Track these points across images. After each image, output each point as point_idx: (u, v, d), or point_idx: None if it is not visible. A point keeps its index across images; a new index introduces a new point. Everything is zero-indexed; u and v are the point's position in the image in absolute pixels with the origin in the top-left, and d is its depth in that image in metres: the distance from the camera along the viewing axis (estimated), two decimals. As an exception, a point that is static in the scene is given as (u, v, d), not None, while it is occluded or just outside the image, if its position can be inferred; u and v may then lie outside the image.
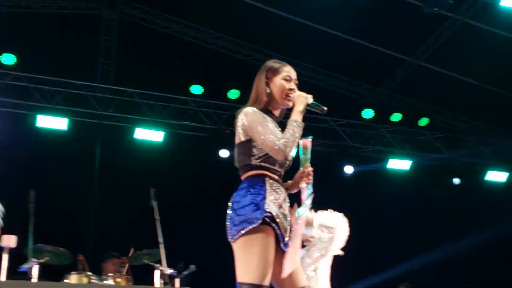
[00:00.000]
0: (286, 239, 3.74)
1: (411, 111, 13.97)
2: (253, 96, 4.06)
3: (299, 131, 3.78)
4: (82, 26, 12.50)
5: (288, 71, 4.05)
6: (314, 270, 6.28)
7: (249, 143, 3.83)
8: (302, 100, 3.90)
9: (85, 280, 6.96)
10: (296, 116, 3.84)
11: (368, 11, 11.39)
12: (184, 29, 12.86)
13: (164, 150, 12.55)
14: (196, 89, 12.77)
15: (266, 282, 3.58)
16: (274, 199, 3.70)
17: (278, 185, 3.80)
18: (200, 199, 12.24)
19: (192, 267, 7.88)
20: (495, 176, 14.38)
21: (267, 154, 3.77)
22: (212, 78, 12.90)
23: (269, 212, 3.61)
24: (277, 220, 3.65)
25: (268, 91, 3.99)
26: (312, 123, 12.18)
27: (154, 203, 7.64)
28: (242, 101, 12.20)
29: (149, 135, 12.39)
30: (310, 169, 3.92)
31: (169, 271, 7.45)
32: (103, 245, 10.67)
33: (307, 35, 12.34)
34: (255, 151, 3.81)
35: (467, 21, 11.38)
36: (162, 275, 7.38)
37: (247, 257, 3.61)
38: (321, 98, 4.05)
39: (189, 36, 12.91)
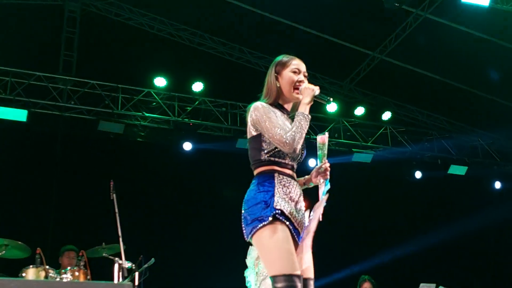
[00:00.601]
0: (300, 231, 3.75)
1: (374, 105, 14.06)
2: (264, 91, 4.10)
3: (305, 124, 3.80)
4: (45, 17, 12.34)
5: (297, 64, 4.10)
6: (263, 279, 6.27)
7: (259, 137, 3.87)
8: (308, 92, 3.94)
9: (42, 274, 6.89)
10: (303, 109, 3.86)
11: (332, 6, 11.44)
12: (149, 21, 12.78)
13: (126, 143, 12.48)
14: (160, 82, 12.70)
15: (295, 270, 3.55)
16: (284, 194, 3.73)
17: (290, 179, 3.83)
18: (161, 192, 12.22)
19: (152, 260, 7.85)
20: (457, 169, 14.52)
21: (276, 148, 3.81)
22: (176, 71, 12.84)
23: (279, 209, 3.64)
24: (288, 215, 3.67)
25: (278, 85, 4.03)
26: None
27: (114, 196, 7.57)
28: (206, 94, 12.27)
29: (112, 127, 12.26)
30: (327, 164, 3.94)
31: (128, 264, 7.42)
32: (63, 238, 10.59)
33: (271, 29, 12.36)
34: (264, 145, 3.85)
35: (429, 16, 11.47)
36: (121, 269, 7.34)
37: (267, 252, 3.63)
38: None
39: (154, 28, 12.84)
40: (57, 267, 7.63)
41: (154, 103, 12.62)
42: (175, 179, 12.43)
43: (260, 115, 3.83)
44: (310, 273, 3.81)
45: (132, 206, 10.81)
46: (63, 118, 12.11)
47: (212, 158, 12.84)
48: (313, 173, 4.02)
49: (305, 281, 3.71)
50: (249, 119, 3.93)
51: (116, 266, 7.37)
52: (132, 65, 12.54)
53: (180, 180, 12.49)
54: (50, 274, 6.93)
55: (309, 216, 3.77)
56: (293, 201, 3.77)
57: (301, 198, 3.88)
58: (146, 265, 7.78)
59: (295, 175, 3.95)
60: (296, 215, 3.75)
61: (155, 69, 12.80)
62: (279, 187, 3.74)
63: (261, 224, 3.62)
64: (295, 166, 3.96)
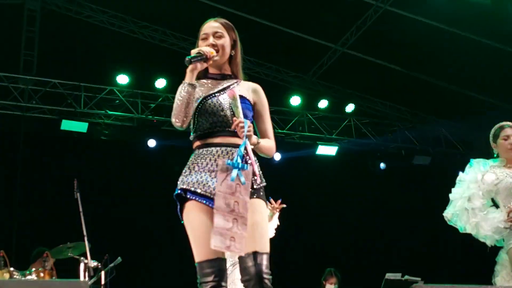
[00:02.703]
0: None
1: (338, 97, 14.14)
2: None
3: (185, 93, 3.56)
4: (4, 16, 12.16)
5: (204, 29, 3.94)
6: (232, 265, 6.26)
7: None
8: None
9: (6, 276, 6.84)
10: (186, 77, 3.65)
11: (293, -1, 11.49)
12: (109, 19, 12.67)
13: (89, 141, 12.39)
14: (122, 79, 12.62)
15: (206, 256, 3.40)
16: (195, 168, 3.55)
17: (211, 148, 3.59)
18: (126, 190, 12.16)
19: (118, 259, 7.83)
20: (420, 160, 14.67)
21: (195, 122, 3.70)
22: (139, 68, 12.77)
23: (181, 189, 3.53)
24: (193, 189, 3.49)
25: None
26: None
27: (78, 195, 7.53)
28: (169, 90, 12.21)
29: (75, 126, 12.16)
30: (239, 120, 3.54)
31: (94, 263, 7.39)
32: (27, 238, 10.51)
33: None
34: (191, 126, 3.75)
35: (389, 8, 11.55)
36: (87, 268, 7.32)
37: (190, 239, 3.53)
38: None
39: (115, 26, 12.73)
40: (21, 268, 7.54)
41: (117, 101, 12.55)
42: (140, 177, 12.38)
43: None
44: (258, 247, 3.48)
45: (97, 205, 10.77)
46: (25, 118, 11.99)
47: (177, 155, 12.77)
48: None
49: (252, 255, 3.44)
50: None
51: (81, 266, 7.35)
52: (94, 63, 12.41)
53: (145, 177, 12.44)
54: (14, 276, 6.88)
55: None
56: (212, 171, 3.51)
57: (226, 160, 3.49)
58: (112, 264, 7.78)
59: (229, 139, 3.63)
60: (210, 183, 3.48)
61: (117, 67, 12.74)
62: (191, 165, 3.59)
63: (178, 208, 3.60)
64: (228, 129, 3.61)
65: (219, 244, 3.29)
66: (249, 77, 4.09)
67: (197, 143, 3.70)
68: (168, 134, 12.68)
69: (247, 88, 3.91)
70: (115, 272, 7.75)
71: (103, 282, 7.56)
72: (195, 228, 3.49)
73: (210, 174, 3.53)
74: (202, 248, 3.42)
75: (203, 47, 3.76)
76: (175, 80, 12.74)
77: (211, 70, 3.90)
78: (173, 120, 3.60)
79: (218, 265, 3.42)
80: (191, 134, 3.75)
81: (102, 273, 7.55)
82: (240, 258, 3.48)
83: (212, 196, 3.45)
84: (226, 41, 3.89)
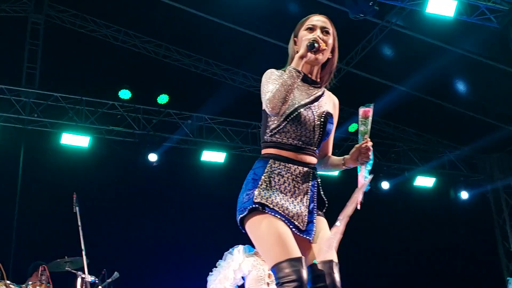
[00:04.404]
0: (298, 224, 3.32)
1: (341, 116, 14.00)
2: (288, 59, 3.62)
3: (290, 80, 3.28)
4: (7, 29, 12.16)
5: (312, 19, 3.60)
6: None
7: (265, 111, 3.46)
8: (303, 44, 3.43)
9: (2, 288, 6.73)
10: (294, 63, 3.36)
11: (298, 17, 11.39)
12: (113, 33, 12.66)
13: (90, 156, 12.28)
14: (124, 94, 12.57)
15: (293, 254, 3.18)
16: (274, 185, 3.33)
17: (290, 166, 3.38)
18: (126, 205, 12.05)
19: (115, 275, 7.72)
20: (424, 181, 14.55)
21: (281, 124, 3.41)
22: (141, 83, 12.74)
23: (258, 203, 3.28)
24: (273, 207, 3.28)
25: (296, 48, 3.57)
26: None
27: (77, 209, 7.42)
28: (171, 106, 12.17)
29: (76, 140, 12.07)
30: (370, 143, 3.44)
31: (91, 278, 7.28)
32: (25, 252, 10.40)
33: (239, 42, 12.29)
34: (270, 121, 3.46)
35: (394, 28, 11.50)
36: (84, 283, 7.21)
37: (260, 243, 3.31)
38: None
39: (118, 40, 12.71)
40: (19, 281, 7.42)
41: (119, 116, 12.47)
42: (140, 192, 12.27)
43: (264, 80, 3.46)
44: (334, 257, 3.38)
45: (96, 220, 10.66)
46: (26, 131, 11.91)
47: (178, 171, 12.74)
48: (353, 153, 3.49)
49: (328, 264, 3.33)
50: None
51: (79, 280, 7.23)
52: (96, 77, 12.42)
53: (145, 193, 12.33)
54: (11, 289, 6.76)
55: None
56: (289, 191, 3.36)
57: (307, 188, 3.41)
58: (110, 280, 7.66)
59: (309, 158, 3.47)
60: (290, 207, 3.33)
61: (119, 82, 12.69)
62: (267, 177, 3.34)
63: (241, 215, 3.35)
64: (313, 148, 3.47)
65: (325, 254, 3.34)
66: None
67: (272, 151, 3.45)
68: (169, 150, 12.61)
69: (330, 102, 3.69)
70: (113, 288, 7.64)
71: (100, 297, 7.45)
72: (273, 230, 3.25)
73: (289, 197, 3.36)
74: (283, 248, 3.20)
75: (316, 36, 3.48)
76: (177, 96, 12.80)
77: (308, 72, 3.59)
78: (268, 105, 3.29)
79: (301, 263, 3.19)
80: (266, 135, 3.49)
81: (99, 288, 7.44)
82: (312, 265, 3.32)
83: (292, 220, 3.32)
84: (331, 40, 3.59)
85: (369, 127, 3.46)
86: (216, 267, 6.25)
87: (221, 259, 6.30)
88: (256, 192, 3.31)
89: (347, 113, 14.05)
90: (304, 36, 3.50)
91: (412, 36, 11.65)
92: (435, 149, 14.66)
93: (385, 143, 14.40)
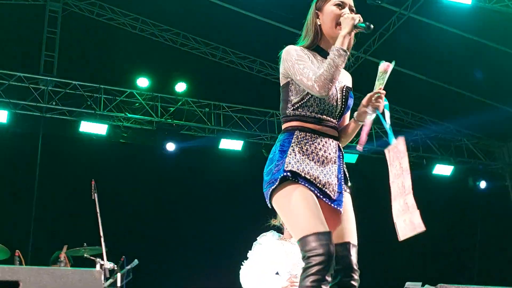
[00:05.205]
0: (329, 192, 3.33)
1: (359, 104, 13.96)
2: (303, 33, 3.62)
3: (340, 60, 3.30)
4: (25, 17, 12.18)
5: None
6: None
7: (287, 87, 3.47)
8: (347, 22, 3.41)
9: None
10: (339, 42, 3.35)
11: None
12: (131, 21, 12.65)
13: (108, 144, 12.33)
14: (142, 82, 12.59)
15: (322, 228, 3.16)
16: (303, 154, 3.31)
17: (316, 136, 3.38)
18: (144, 193, 12.10)
19: (135, 262, 7.74)
20: (442, 169, 14.48)
21: (304, 98, 3.40)
22: (159, 71, 12.73)
23: (289, 171, 3.25)
24: (306, 176, 3.27)
25: (319, 23, 3.55)
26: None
27: (95, 196, 7.44)
28: (189, 94, 12.19)
29: (94, 128, 12.11)
30: (382, 92, 3.48)
31: (110, 265, 7.30)
32: (44, 239, 10.45)
33: (255, 30, 12.25)
34: (292, 96, 3.44)
35: (412, 15, 11.41)
36: (103, 270, 7.23)
37: (288, 215, 3.28)
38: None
39: (136, 29, 12.71)
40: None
41: (137, 104, 12.50)
42: (158, 180, 12.30)
43: (290, 58, 3.39)
44: (352, 238, 3.39)
45: (114, 207, 10.70)
46: (45, 119, 11.96)
47: (196, 159, 12.75)
48: (364, 101, 3.54)
49: (345, 245, 3.34)
50: (280, 66, 3.49)
51: (97, 267, 7.26)
52: (114, 66, 12.43)
53: (163, 181, 12.36)
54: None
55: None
56: (317, 161, 3.34)
57: (334, 158, 3.42)
58: (129, 267, 7.67)
59: (332, 131, 3.47)
60: (320, 176, 3.31)
61: (137, 70, 12.72)
62: (295, 147, 3.32)
63: (272, 187, 3.29)
64: (334, 121, 3.49)
65: (408, 233, 3.20)
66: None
67: (296, 123, 3.42)
68: (187, 138, 12.63)
69: (348, 77, 3.74)
70: (132, 275, 7.65)
71: (119, 284, 7.47)
72: (303, 202, 3.22)
73: (319, 166, 3.35)
74: (312, 221, 3.17)
75: (359, 15, 3.49)
76: (195, 84, 12.81)
77: (324, 45, 3.59)
78: (316, 87, 3.28)
79: (329, 238, 3.15)
80: (287, 109, 3.48)
81: (118, 275, 7.44)
82: None
83: (324, 188, 3.32)
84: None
85: (384, 81, 3.51)
86: (246, 258, 6.05)
87: (243, 247, 6.15)
88: (286, 160, 3.28)
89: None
90: (333, 12, 3.50)
91: (430, 24, 11.55)
92: (453, 138, 14.58)
93: (403, 132, 14.33)
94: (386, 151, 3.49)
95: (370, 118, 3.54)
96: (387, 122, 3.51)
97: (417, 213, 3.20)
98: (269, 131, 13.02)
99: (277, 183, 3.27)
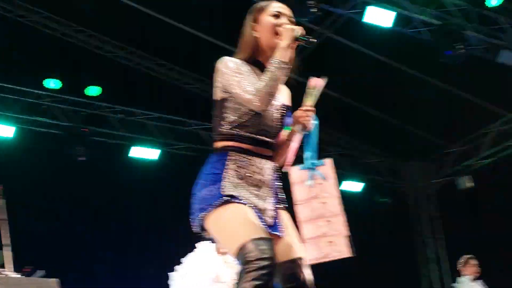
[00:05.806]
0: (266, 218, 3.15)
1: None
2: (238, 46, 3.42)
3: (280, 72, 3.12)
4: None
5: (278, 6, 3.40)
6: None
7: (222, 102, 3.27)
8: (288, 33, 3.22)
9: None
10: (279, 54, 3.16)
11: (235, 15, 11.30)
12: (42, 20, 12.14)
13: (15, 147, 11.85)
14: (52, 84, 12.18)
15: (263, 234, 2.98)
16: (238, 178, 3.15)
17: (251, 157, 3.21)
18: (52, 199, 11.69)
19: (41, 272, 7.43)
20: (351, 186, 14.79)
21: (241, 117, 3.22)
22: (70, 73, 12.33)
23: (227, 195, 3.07)
24: (243, 201, 3.09)
25: (256, 35, 3.37)
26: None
27: (2, 202, 7.16)
28: (102, 99, 11.86)
29: (0, 130, 11.64)
30: (310, 108, 3.27)
31: (14, 276, 6.99)
32: None
33: (172, 35, 12.08)
34: (227, 113, 3.25)
35: (331, 35, 11.50)
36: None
37: (222, 228, 3.08)
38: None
39: (48, 28, 12.22)
40: None
41: (46, 107, 12.06)
42: (67, 186, 11.91)
43: (227, 70, 3.23)
44: (302, 253, 3.23)
45: (26, 215, 10.37)
46: None
47: (106, 165, 12.45)
48: (292, 121, 3.35)
49: (296, 262, 3.16)
50: (215, 78, 3.32)
51: None
52: (21, 65, 11.89)
53: (72, 186, 11.99)
54: None
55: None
56: (253, 185, 3.20)
57: (269, 181, 3.26)
58: (36, 277, 7.38)
59: (267, 151, 3.32)
60: (258, 202, 3.17)
61: (46, 71, 12.27)
62: (230, 170, 3.17)
63: (205, 213, 3.11)
64: (270, 141, 3.32)
65: (316, 255, 3.10)
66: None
67: (230, 144, 3.25)
68: (97, 144, 12.32)
69: (285, 93, 3.52)
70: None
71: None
72: (239, 214, 3.05)
73: (254, 191, 3.18)
74: (250, 228, 2.98)
75: (299, 27, 3.28)
76: (109, 88, 12.49)
77: (262, 58, 3.38)
78: (255, 101, 3.11)
79: (270, 244, 2.97)
80: (221, 127, 3.28)
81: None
82: (281, 264, 3.11)
83: (261, 215, 3.15)
84: None
85: (314, 97, 3.32)
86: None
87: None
88: (222, 184, 3.11)
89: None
90: (270, 22, 3.33)
91: (349, 46, 11.70)
92: (362, 156, 14.87)
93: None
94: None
95: (298, 135, 3.37)
96: (312, 144, 3.41)
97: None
98: (187, 142, 12.93)
99: (211, 209, 3.10)
